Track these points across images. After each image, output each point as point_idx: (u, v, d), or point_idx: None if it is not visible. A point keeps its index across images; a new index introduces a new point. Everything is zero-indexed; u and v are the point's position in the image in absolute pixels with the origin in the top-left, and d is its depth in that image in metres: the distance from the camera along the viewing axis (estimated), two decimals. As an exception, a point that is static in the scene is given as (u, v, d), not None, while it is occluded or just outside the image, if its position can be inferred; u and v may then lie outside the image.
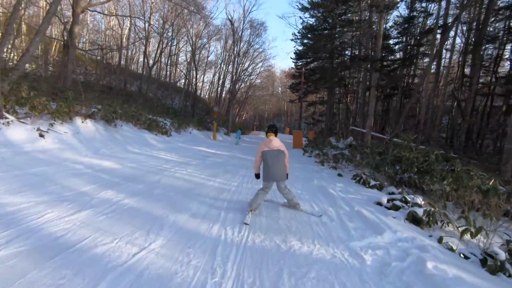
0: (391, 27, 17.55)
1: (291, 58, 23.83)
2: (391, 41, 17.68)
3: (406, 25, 15.66)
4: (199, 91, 40.00)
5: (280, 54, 71.54)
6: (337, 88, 21.75)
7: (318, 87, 22.73)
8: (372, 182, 5.81)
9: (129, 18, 19.76)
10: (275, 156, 3.58)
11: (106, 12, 21.52)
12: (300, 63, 24.41)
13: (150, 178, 5.06)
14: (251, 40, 29.85)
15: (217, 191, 4.64)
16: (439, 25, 11.32)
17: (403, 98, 16.64)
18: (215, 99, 33.01)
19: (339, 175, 7.28)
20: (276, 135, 3.82)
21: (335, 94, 21.83)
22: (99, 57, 20.11)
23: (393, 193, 5.00)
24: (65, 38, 11.79)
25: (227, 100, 33.79)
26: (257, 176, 3.81)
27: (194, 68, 23.25)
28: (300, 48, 22.88)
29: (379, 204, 4.43)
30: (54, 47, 18.10)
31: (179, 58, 30.47)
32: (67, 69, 11.67)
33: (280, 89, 66.65)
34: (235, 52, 23.68)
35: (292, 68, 41.38)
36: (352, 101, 23.46)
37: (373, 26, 11.41)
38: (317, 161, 10.82)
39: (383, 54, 14.94)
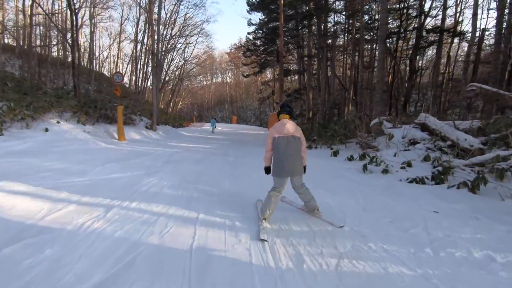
0: None
1: (247, 2, 15.05)
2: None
3: None
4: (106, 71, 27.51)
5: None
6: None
7: (299, 39, 14.72)
8: None
9: None
10: (289, 144, 2.62)
11: None
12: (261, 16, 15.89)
13: None
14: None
15: None
16: None
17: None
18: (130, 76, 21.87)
19: None
20: (291, 118, 2.77)
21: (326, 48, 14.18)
22: None
23: None
24: None
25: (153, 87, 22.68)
26: (268, 170, 2.84)
27: (73, 13, 12.09)
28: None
29: None
30: None
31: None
32: None
33: (220, 75, 56.77)
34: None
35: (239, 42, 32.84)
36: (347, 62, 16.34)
37: None
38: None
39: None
